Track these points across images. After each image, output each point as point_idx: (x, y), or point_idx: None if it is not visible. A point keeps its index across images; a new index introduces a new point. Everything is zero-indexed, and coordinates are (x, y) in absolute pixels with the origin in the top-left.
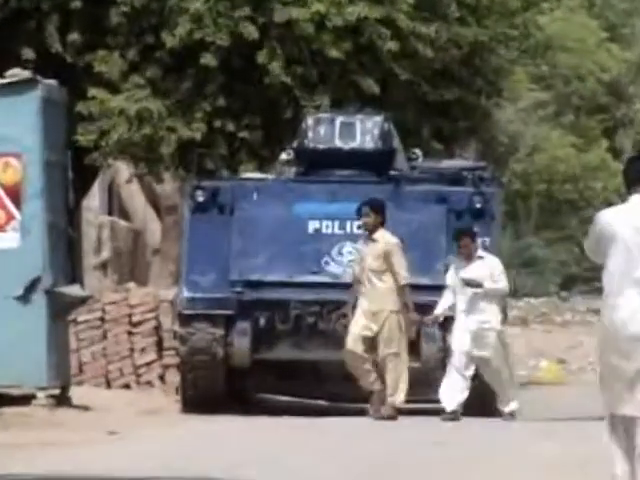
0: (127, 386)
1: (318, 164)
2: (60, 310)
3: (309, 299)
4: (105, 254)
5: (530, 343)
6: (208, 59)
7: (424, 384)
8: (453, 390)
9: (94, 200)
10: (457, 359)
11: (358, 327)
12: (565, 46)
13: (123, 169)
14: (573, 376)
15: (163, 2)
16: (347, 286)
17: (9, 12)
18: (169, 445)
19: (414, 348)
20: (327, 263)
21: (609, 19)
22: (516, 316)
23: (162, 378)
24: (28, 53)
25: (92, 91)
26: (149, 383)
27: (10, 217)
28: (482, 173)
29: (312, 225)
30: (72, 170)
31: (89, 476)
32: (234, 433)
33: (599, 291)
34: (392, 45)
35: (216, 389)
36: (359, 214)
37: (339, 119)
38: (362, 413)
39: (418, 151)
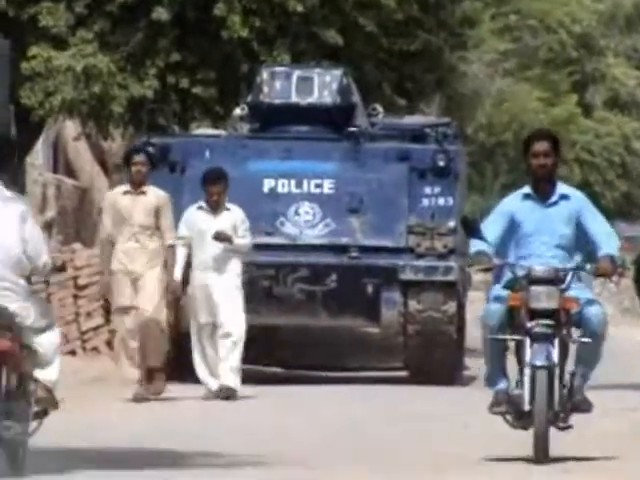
0: (72, 352)
1: (274, 120)
2: None
3: (263, 262)
4: (50, 213)
5: None
6: (159, 13)
7: (384, 351)
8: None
9: (38, 157)
10: (202, 329)
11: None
12: None
13: (69, 125)
14: None
15: None
16: (304, 248)
17: None
18: (115, 414)
19: (373, 314)
20: (283, 224)
21: None
22: (480, 280)
23: (109, 344)
24: None
25: (34, 49)
26: (95, 349)
27: None
28: (446, 130)
29: (267, 184)
30: (15, 126)
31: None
32: (185, 402)
33: None
34: None
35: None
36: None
37: (296, 73)
38: (319, 381)
39: (379, 107)
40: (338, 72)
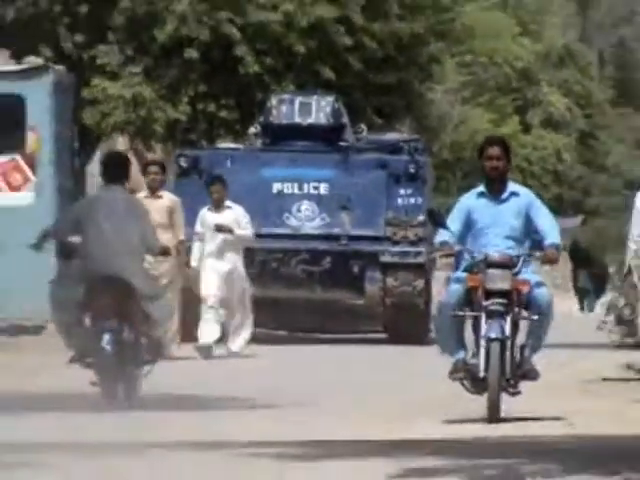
0: None
1: (281, 136)
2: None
3: (272, 248)
4: None
5: None
6: (190, 53)
7: (367, 318)
8: (210, 327)
9: (96, 166)
10: (211, 300)
11: None
12: (484, 37)
13: (120, 140)
14: None
15: (155, 5)
16: (305, 237)
17: (27, 16)
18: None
19: (359, 289)
20: (288, 218)
21: (521, 17)
22: (444, 262)
23: None
24: (45, 50)
25: (95, 80)
26: None
27: (27, 180)
28: (416, 144)
29: (275, 187)
30: (78, 141)
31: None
32: (211, 360)
33: None
34: (346, 40)
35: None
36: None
37: (298, 99)
38: (316, 341)
39: (363, 126)
40: (331, 99)
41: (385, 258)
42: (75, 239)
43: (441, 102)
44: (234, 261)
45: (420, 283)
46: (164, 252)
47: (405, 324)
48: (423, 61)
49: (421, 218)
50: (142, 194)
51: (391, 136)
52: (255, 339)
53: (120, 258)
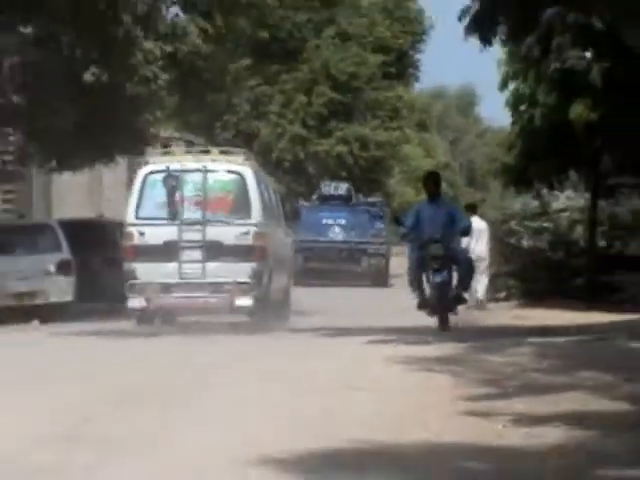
0: None
1: (326, 200)
2: None
3: (322, 247)
4: None
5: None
6: (285, 166)
7: (362, 277)
8: None
9: None
10: None
11: None
12: (413, 158)
13: None
14: None
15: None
16: (336, 242)
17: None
18: None
19: (359, 264)
20: (329, 234)
21: (427, 149)
22: (395, 252)
23: None
24: None
25: None
26: None
27: None
28: (382, 202)
29: (325, 221)
30: None
31: None
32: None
33: None
34: (350, 160)
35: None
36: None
37: (332, 184)
38: (338, 285)
39: (360, 195)
40: (347, 184)
41: (370, 251)
42: None
43: (393, 185)
44: None
45: (383, 262)
46: None
47: (378, 279)
48: (387, 168)
49: (384, 234)
50: None
51: (371, 199)
52: (309, 285)
53: None
